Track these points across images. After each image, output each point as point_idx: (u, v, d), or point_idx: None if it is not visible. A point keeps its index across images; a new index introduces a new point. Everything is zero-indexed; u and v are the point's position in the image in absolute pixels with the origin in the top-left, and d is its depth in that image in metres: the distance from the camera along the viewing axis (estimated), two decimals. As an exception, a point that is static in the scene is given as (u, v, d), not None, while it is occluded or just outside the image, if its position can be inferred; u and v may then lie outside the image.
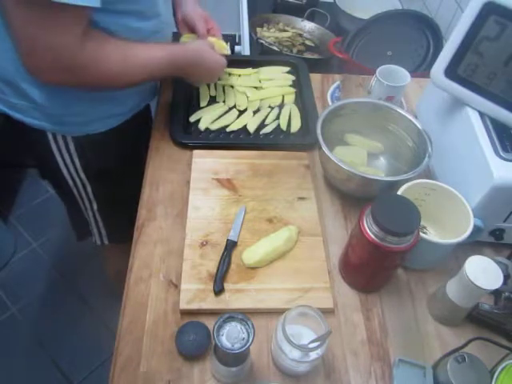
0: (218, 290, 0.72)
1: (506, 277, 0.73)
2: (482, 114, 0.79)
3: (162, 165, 0.92)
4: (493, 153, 0.73)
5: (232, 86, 1.08)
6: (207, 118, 0.99)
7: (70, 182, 1.01)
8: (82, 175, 0.99)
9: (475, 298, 0.68)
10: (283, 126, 1.01)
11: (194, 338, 0.66)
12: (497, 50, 0.74)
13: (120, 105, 0.94)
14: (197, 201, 0.84)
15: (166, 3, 0.90)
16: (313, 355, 0.62)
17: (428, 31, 1.27)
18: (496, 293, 0.74)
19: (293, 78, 1.13)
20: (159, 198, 0.86)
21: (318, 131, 0.83)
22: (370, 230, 0.65)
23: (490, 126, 0.77)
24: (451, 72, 0.79)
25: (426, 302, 0.76)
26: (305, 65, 1.15)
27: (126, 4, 0.78)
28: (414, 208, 0.65)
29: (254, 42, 1.35)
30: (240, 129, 0.99)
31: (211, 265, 0.75)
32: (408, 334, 0.72)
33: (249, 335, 0.57)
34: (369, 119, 0.92)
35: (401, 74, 0.99)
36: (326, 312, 0.70)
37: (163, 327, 0.69)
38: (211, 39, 1.00)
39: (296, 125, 1.01)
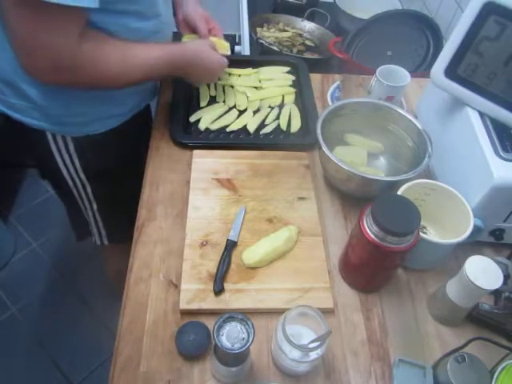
0: (218, 290, 0.72)
1: (506, 277, 0.73)
2: (482, 114, 0.79)
3: (162, 165, 0.92)
4: (493, 153, 0.73)
5: (232, 86, 1.08)
6: (207, 118, 0.99)
7: (70, 183, 1.01)
8: (82, 175, 0.99)
9: (475, 298, 0.68)
10: (283, 126, 1.01)
11: (194, 338, 0.66)
12: (497, 50, 0.74)
13: (120, 105, 0.93)
14: (197, 201, 0.84)
15: (166, 3, 0.90)
16: (313, 355, 0.62)
17: (428, 31, 1.27)
18: (496, 293, 0.74)
19: (293, 77, 1.13)
20: (159, 198, 0.86)
21: (318, 131, 0.83)
22: (369, 229, 0.65)
23: (490, 126, 0.77)
24: (451, 72, 0.79)
25: (426, 301, 0.76)
26: (305, 65, 1.15)
27: (126, 4, 0.77)
28: (413, 208, 0.65)
29: (254, 42, 1.35)
30: (240, 129, 0.99)
31: (211, 265, 0.75)
32: (408, 334, 0.72)
33: (249, 335, 0.57)
34: (369, 119, 0.92)
35: (401, 74, 0.99)
36: (326, 312, 0.70)
37: (163, 327, 0.69)
38: (213, 39, 1.00)
39: (296, 125, 1.01)
